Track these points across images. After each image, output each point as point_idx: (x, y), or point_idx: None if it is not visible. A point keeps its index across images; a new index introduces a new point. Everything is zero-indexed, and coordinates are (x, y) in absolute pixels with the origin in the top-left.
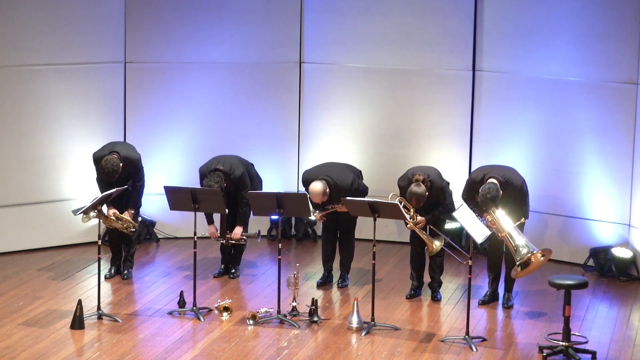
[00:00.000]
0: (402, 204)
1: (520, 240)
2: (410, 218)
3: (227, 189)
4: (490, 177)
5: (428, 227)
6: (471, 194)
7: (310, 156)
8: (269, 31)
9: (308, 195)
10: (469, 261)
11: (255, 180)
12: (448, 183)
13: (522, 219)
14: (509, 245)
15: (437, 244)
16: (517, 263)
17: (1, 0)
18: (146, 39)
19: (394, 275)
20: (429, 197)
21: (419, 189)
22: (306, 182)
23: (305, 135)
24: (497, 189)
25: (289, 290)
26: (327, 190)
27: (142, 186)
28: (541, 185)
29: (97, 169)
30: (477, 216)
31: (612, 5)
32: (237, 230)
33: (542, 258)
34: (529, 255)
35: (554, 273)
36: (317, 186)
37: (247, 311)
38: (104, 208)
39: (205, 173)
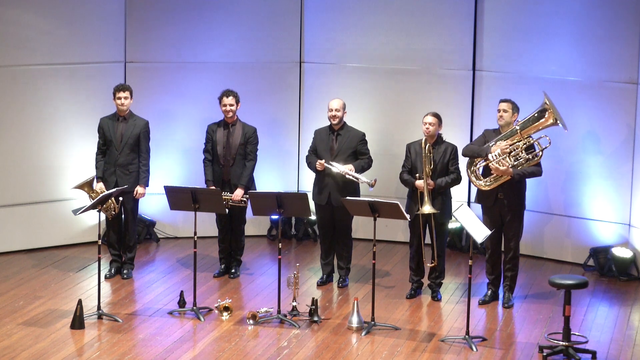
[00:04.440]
0: (428, 145)
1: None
2: (426, 173)
3: (233, 138)
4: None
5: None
6: (480, 142)
7: None
8: (269, 31)
9: (308, 195)
10: (433, 262)
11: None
12: (457, 148)
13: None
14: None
15: (427, 208)
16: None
17: (1, 0)
18: (146, 39)
19: (394, 275)
20: (443, 150)
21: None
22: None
23: (305, 135)
24: None
25: (289, 290)
26: (345, 108)
27: (148, 156)
28: (541, 185)
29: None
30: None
31: (612, 5)
32: (238, 192)
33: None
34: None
35: (554, 273)
36: (336, 99)
37: (247, 311)
38: (95, 184)
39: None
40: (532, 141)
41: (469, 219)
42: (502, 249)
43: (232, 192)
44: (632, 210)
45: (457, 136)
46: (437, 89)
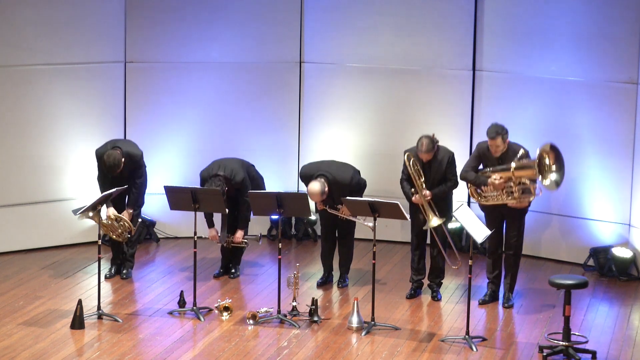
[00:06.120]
0: (412, 160)
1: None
2: (418, 186)
3: (228, 193)
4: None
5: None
6: (476, 163)
7: (310, 156)
8: (269, 31)
9: (308, 195)
10: (459, 263)
11: (256, 180)
12: (454, 154)
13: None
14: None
15: (435, 221)
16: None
17: (1, 0)
18: (146, 39)
19: (394, 275)
20: (438, 162)
21: (429, 135)
22: (304, 176)
23: (305, 135)
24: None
25: (289, 290)
26: (326, 189)
27: (143, 184)
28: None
29: (99, 165)
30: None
31: (612, 5)
32: (239, 234)
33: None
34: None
35: (554, 273)
36: (315, 186)
37: (247, 311)
38: (104, 208)
39: (206, 178)
40: (527, 185)
41: (469, 219)
42: (503, 248)
43: (232, 232)
44: (632, 210)
45: (457, 136)
46: (437, 89)
